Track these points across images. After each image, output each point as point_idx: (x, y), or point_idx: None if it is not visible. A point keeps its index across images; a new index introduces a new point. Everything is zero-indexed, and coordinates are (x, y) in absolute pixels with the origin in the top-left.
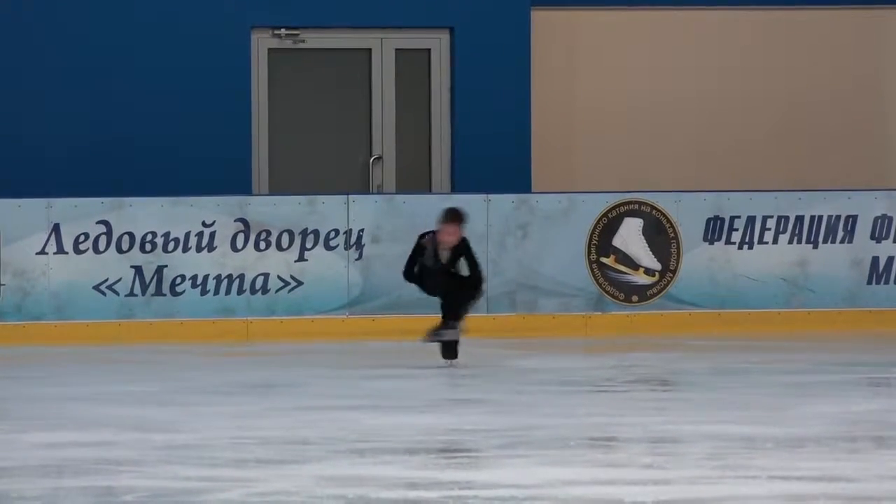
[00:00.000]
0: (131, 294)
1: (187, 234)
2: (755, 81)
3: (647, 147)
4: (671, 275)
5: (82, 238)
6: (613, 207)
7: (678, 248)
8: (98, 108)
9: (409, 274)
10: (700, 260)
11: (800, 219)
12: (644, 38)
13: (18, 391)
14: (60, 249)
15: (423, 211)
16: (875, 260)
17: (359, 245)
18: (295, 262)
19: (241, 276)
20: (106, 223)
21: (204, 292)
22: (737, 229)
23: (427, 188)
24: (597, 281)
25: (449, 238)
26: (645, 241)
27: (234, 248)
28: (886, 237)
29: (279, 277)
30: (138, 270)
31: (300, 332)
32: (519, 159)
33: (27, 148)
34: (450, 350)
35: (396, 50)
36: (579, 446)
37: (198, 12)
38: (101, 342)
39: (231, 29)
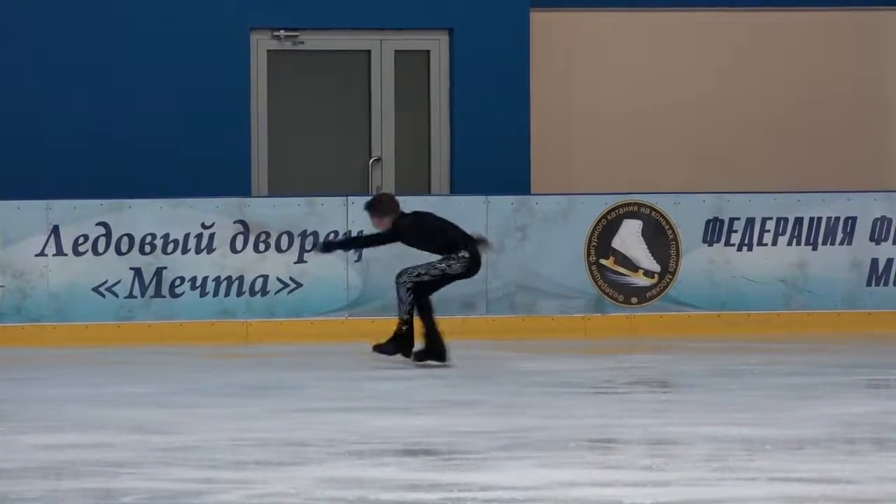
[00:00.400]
0: (131, 296)
1: (186, 236)
2: (754, 83)
3: (647, 148)
4: (670, 276)
5: (82, 240)
6: (613, 209)
7: (677, 249)
8: (97, 109)
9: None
10: (699, 261)
11: (799, 220)
12: (643, 39)
13: (18, 393)
14: (60, 251)
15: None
16: (874, 261)
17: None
18: (294, 263)
19: (241, 278)
20: (105, 225)
21: (203, 294)
22: (736, 231)
23: (426, 190)
24: (596, 283)
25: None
26: (644, 242)
27: (234, 250)
28: (885, 239)
29: (278, 279)
30: (138, 272)
31: (299, 334)
32: (518, 161)
33: (26, 149)
34: (405, 348)
35: (396, 51)
36: (578, 448)
37: (197, 14)
38: (100, 344)
39: (230, 30)
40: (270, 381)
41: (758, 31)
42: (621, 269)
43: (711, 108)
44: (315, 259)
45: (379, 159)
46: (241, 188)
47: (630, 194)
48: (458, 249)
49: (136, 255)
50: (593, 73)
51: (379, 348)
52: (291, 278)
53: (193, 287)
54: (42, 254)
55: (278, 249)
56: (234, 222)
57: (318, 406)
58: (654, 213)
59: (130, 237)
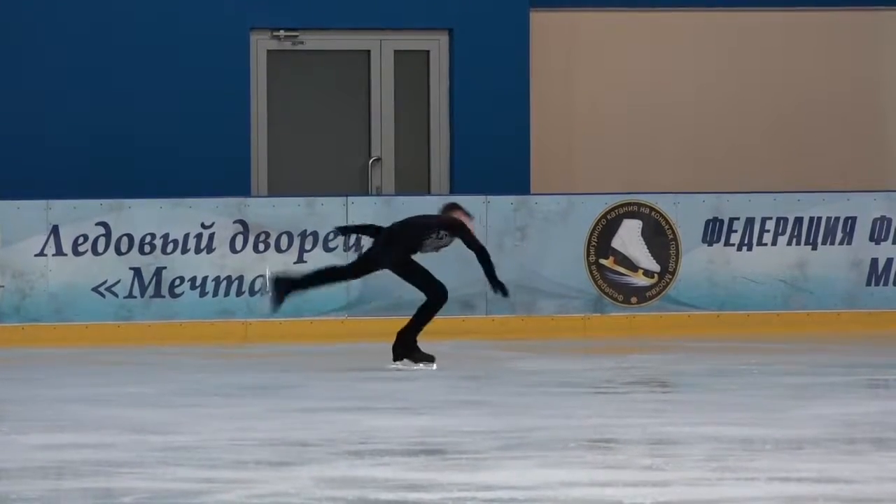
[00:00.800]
0: (130, 296)
1: (186, 236)
2: (754, 83)
3: (646, 148)
4: (670, 276)
5: (81, 240)
6: (612, 209)
7: (677, 249)
8: (97, 109)
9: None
10: (699, 261)
11: (799, 220)
12: (643, 39)
13: (17, 393)
14: (59, 251)
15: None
16: (874, 261)
17: (358, 247)
18: (294, 263)
19: (241, 278)
20: (105, 225)
21: (203, 294)
22: (736, 231)
23: (426, 190)
24: (596, 282)
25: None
26: (644, 242)
27: (233, 250)
28: (885, 238)
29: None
30: (137, 272)
31: (299, 334)
32: (518, 161)
33: (26, 149)
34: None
35: (395, 51)
36: (578, 448)
37: (197, 14)
38: (99, 344)
39: (230, 30)
40: (270, 381)
41: (757, 31)
42: (621, 269)
43: (711, 109)
44: (315, 259)
45: (379, 159)
46: (241, 188)
47: (630, 194)
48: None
49: (135, 255)
50: (593, 73)
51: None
52: None
53: (193, 287)
54: (42, 254)
55: (278, 249)
56: (234, 222)
57: (318, 406)
58: (653, 212)
59: (130, 237)
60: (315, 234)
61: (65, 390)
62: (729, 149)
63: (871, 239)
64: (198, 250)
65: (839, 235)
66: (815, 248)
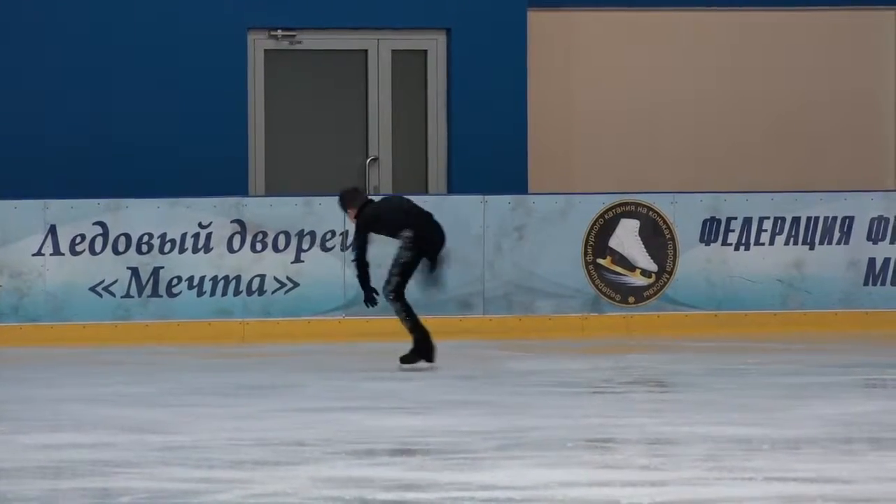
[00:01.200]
0: (128, 295)
1: (184, 236)
2: (752, 83)
3: (644, 148)
4: (668, 276)
5: (79, 239)
6: (610, 209)
7: (675, 249)
8: (95, 109)
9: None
10: (696, 261)
11: (796, 220)
12: (641, 39)
13: (15, 392)
14: (57, 251)
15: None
16: (871, 261)
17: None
18: (291, 263)
19: (238, 278)
20: (102, 224)
21: (200, 294)
22: (733, 230)
23: (423, 189)
24: (593, 282)
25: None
26: (641, 242)
27: (231, 250)
28: (883, 238)
29: (275, 279)
30: (135, 272)
31: (296, 334)
32: (515, 160)
33: (24, 149)
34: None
35: (393, 51)
36: (576, 448)
37: (194, 13)
38: (97, 344)
39: (227, 30)
40: (267, 380)
41: (755, 30)
42: (618, 269)
43: (709, 108)
44: (312, 259)
45: (376, 159)
46: (239, 188)
47: (627, 194)
48: (401, 231)
49: (133, 255)
50: (591, 73)
51: (404, 359)
52: (288, 278)
53: (190, 287)
54: (39, 253)
55: (275, 249)
56: (231, 222)
57: (316, 406)
58: (651, 212)
59: (128, 237)
60: (312, 234)
61: (63, 390)
62: (726, 148)
63: (869, 239)
64: (195, 250)
65: (837, 235)
66: (812, 247)
